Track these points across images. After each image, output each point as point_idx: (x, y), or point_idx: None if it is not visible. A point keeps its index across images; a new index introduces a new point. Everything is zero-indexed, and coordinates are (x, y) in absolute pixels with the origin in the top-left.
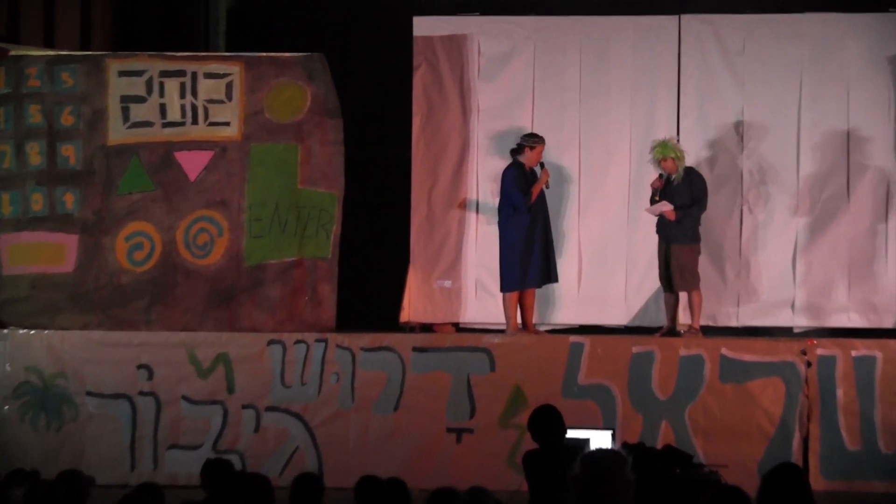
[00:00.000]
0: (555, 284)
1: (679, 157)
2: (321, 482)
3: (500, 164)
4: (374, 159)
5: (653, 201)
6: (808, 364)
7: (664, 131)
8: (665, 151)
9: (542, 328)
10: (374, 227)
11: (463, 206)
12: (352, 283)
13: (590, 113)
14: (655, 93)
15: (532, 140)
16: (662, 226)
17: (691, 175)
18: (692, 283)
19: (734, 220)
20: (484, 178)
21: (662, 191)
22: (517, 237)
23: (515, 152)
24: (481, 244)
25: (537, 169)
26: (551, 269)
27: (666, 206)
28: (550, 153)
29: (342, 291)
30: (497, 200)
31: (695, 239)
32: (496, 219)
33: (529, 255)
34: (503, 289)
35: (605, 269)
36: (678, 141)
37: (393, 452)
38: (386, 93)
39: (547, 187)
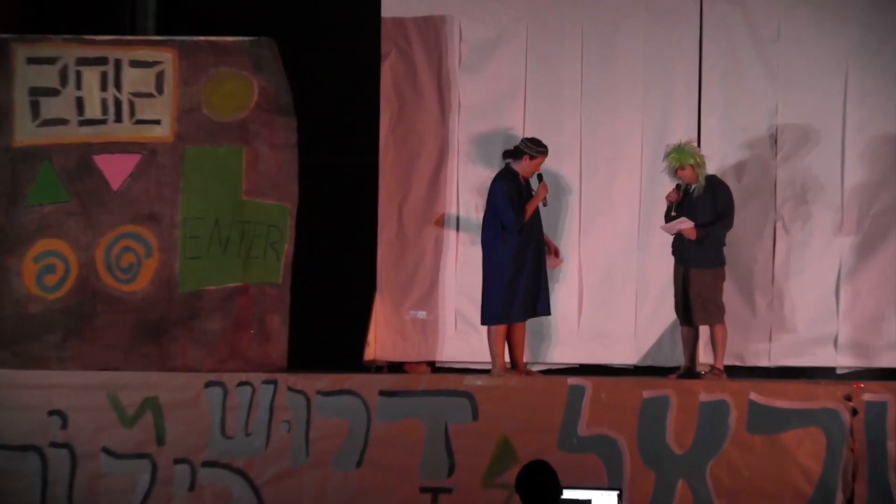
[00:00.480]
0: (552, 318)
1: (699, 164)
2: None
3: (485, 172)
4: (333, 166)
5: (668, 217)
6: (854, 412)
7: (682, 134)
8: (682, 158)
9: (535, 368)
10: (333, 247)
11: (440, 222)
12: (307, 313)
13: (593, 112)
14: (672, 88)
15: (535, 148)
16: (680, 246)
17: (714, 186)
18: (715, 315)
19: (766, 240)
20: (466, 189)
21: (680, 204)
22: (505, 260)
23: (511, 156)
24: (462, 268)
25: (532, 181)
26: (541, 300)
27: (685, 224)
28: (547, 161)
29: (295, 324)
30: (482, 216)
31: (718, 262)
32: (480, 238)
33: (518, 282)
34: (487, 321)
35: (611, 298)
36: (698, 146)
37: None
38: (348, 86)
39: (545, 204)
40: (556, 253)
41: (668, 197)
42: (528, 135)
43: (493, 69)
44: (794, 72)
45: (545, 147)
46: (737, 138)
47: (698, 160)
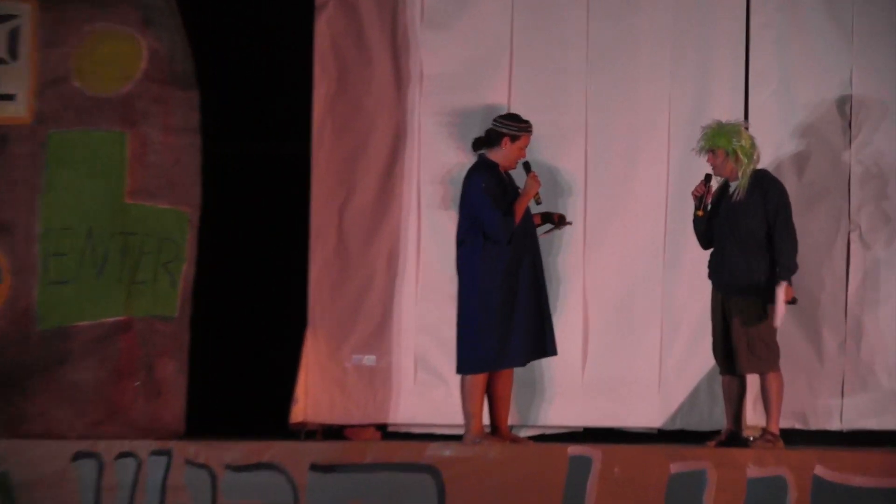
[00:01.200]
0: (546, 364)
1: (743, 152)
2: None
3: (456, 164)
4: (250, 157)
5: (696, 220)
6: None
7: (722, 114)
8: (715, 140)
9: (524, 433)
10: (249, 269)
11: (395, 233)
12: (212, 358)
13: (603, 84)
14: (711, 53)
15: (514, 126)
16: (720, 266)
17: (763, 184)
18: (767, 361)
19: (837, 258)
20: (430, 187)
21: (715, 206)
22: (489, 285)
23: (484, 144)
24: (426, 295)
25: (516, 173)
26: (547, 337)
27: (780, 295)
28: (540, 149)
29: (196, 372)
30: (454, 224)
31: (769, 288)
32: (452, 255)
33: (509, 315)
34: (465, 369)
35: (627, 337)
36: (747, 128)
37: None
38: (270, 47)
39: (538, 202)
40: (562, 219)
41: (694, 191)
42: (518, 112)
43: (468, 25)
44: (875, 30)
45: (527, 122)
46: (796, 119)
47: (739, 147)
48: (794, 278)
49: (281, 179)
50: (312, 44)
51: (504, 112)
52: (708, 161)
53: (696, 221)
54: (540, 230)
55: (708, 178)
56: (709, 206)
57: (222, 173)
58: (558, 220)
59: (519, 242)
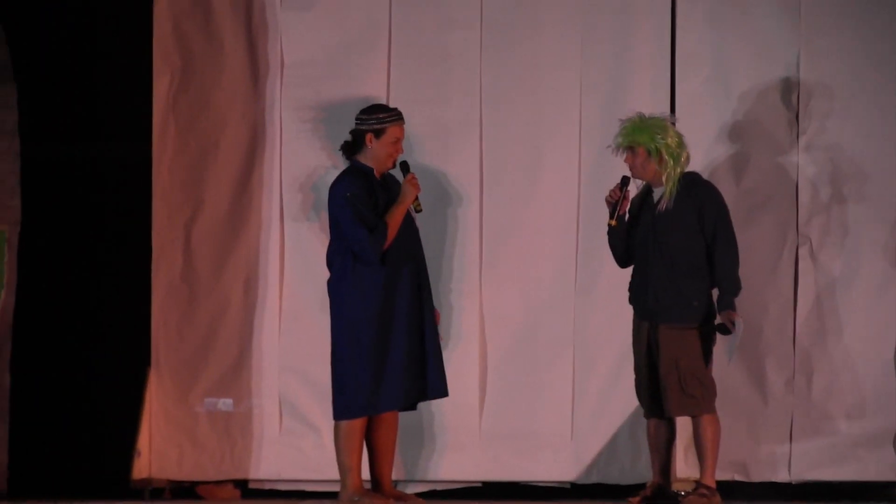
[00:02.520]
0: (436, 407)
1: (671, 151)
2: None
3: (326, 167)
4: (79, 162)
5: (611, 231)
6: None
7: (645, 106)
8: (635, 134)
9: (411, 489)
10: (79, 297)
11: (253, 253)
12: (38, 406)
13: (501, 72)
14: (629, 31)
15: (372, 119)
16: (642, 289)
17: (696, 191)
18: (701, 402)
19: (782, 277)
20: (294, 195)
21: (635, 218)
22: (360, 314)
23: (351, 149)
24: (291, 327)
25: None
26: (433, 375)
27: (738, 326)
28: (426, 149)
29: (19, 423)
30: (325, 241)
31: (705, 314)
32: (322, 278)
33: (385, 350)
34: (337, 415)
35: (533, 376)
36: (674, 124)
37: None
38: (102, 32)
39: (417, 210)
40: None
41: (608, 196)
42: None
43: (336, 3)
44: (827, 4)
45: (392, 111)
46: (733, 112)
47: (663, 146)
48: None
49: (117, 189)
50: (152, 27)
51: (373, 104)
52: (626, 161)
53: (611, 233)
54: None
55: (625, 181)
56: (625, 216)
57: (46, 183)
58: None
59: (398, 260)
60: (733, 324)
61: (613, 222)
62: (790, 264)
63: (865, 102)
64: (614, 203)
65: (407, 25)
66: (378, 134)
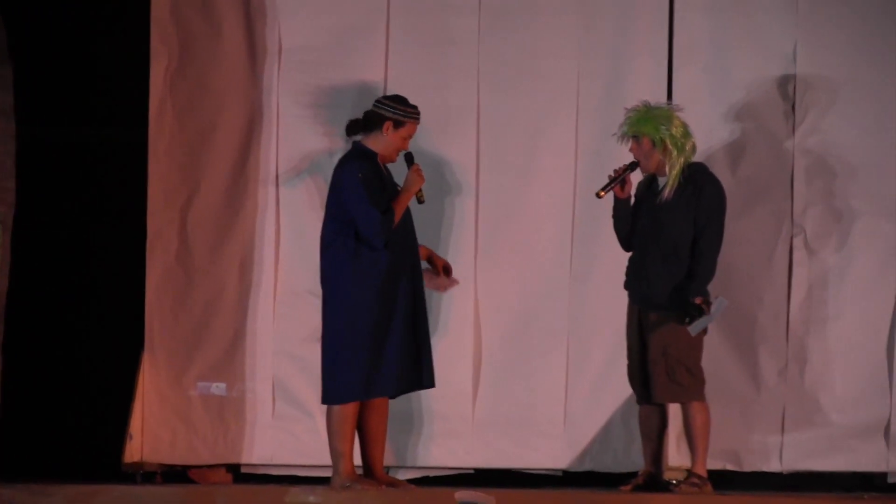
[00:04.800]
0: (430, 393)
1: (676, 141)
2: None
3: (323, 152)
4: (74, 146)
5: (618, 213)
6: None
7: (642, 92)
8: (640, 124)
9: (403, 475)
10: (75, 281)
11: (249, 237)
12: (30, 388)
13: (498, 58)
14: (627, 20)
15: (400, 110)
16: (637, 276)
17: (699, 180)
18: (689, 389)
19: (777, 266)
20: (291, 180)
21: (639, 207)
22: (360, 298)
23: (361, 128)
24: (286, 312)
25: (395, 169)
26: (423, 364)
27: (716, 308)
28: (423, 136)
29: (12, 406)
30: (320, 225)
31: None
32: (317, 262)
33: (383, 336)
34: (327, 399)
35: (527, 363)
36: (680, 112)
37: None
38: (99, 15)
39: (420, 201)
40: (448, 270)
41: (612, 172)
42: (394, 89)
43: None
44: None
45: (415, 108)
46: (730, 102)
47: (668, 136)
48: (726, 288)
49: (114, 173)
50: (149, 10)
51: (380, 92)
52: (630, 150)
53: (616, 216)
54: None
55: (632, 166)
56: (630, 199)
57: (43, 165)
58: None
59: (398, 249)
60: (708, 304)
61: (602, 193)
62: (785, 254)
63: (862, 94)
64: (612, 178)
65: (405, 10)
66: (397, 125)
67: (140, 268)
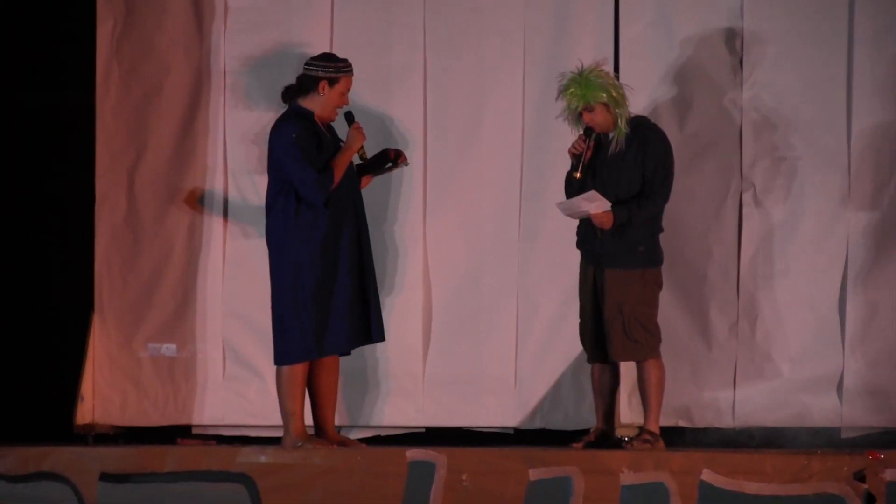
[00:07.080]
0: (380, 352)
1: (617, 100)
2: None
3: (268, 115)
4: (17, 108)
5: (571, 185)
6: (870, 498)
7: (587, 52)
8: (588, 94)
9: (355, 434)
10: (21, 242)
11: (196, 199)
12: None
13: (445, 15)
14: None
15: (330, 67)
16: (588, 235)
17: (643, 133)
18: (646, 347)
19: (726, 222)
20: (238, 143)
21: (592, 163)
22: (304, 258)
23: (296, 93)
24: (235, 272)
25: (338, 128)
26: (372, 319)
27: (594, 203)
28: (368, 95)
29: None
30: (264, 188)
31: (650, 260)
32: (262, 224)
33: (330, 290)
34: (280, 359)
35: (476, 321)
36: (615, 75)
37: None
38: None
39: (363, 159)
40: (399, 155)
41: (572, 148)
42: (339, 53)
43: None
44: None
45: (345, 61)
46: (676, 57)
47: (613, 94)
48: (676, 245)
49: (57, 136)
50: None
51: (322, 53)
52: (586, 121)
53: (570, 183)
54: (376, 169)
55: (588, 132)
56: (588, 166)
57: None
58: (394, 157)
59: (340, 207)
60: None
61: (579, 175)
62: (734, 209)
63: (811, 48)
64: (578, 155)
65: None
66: (332, 82)
67: (89, 229)
